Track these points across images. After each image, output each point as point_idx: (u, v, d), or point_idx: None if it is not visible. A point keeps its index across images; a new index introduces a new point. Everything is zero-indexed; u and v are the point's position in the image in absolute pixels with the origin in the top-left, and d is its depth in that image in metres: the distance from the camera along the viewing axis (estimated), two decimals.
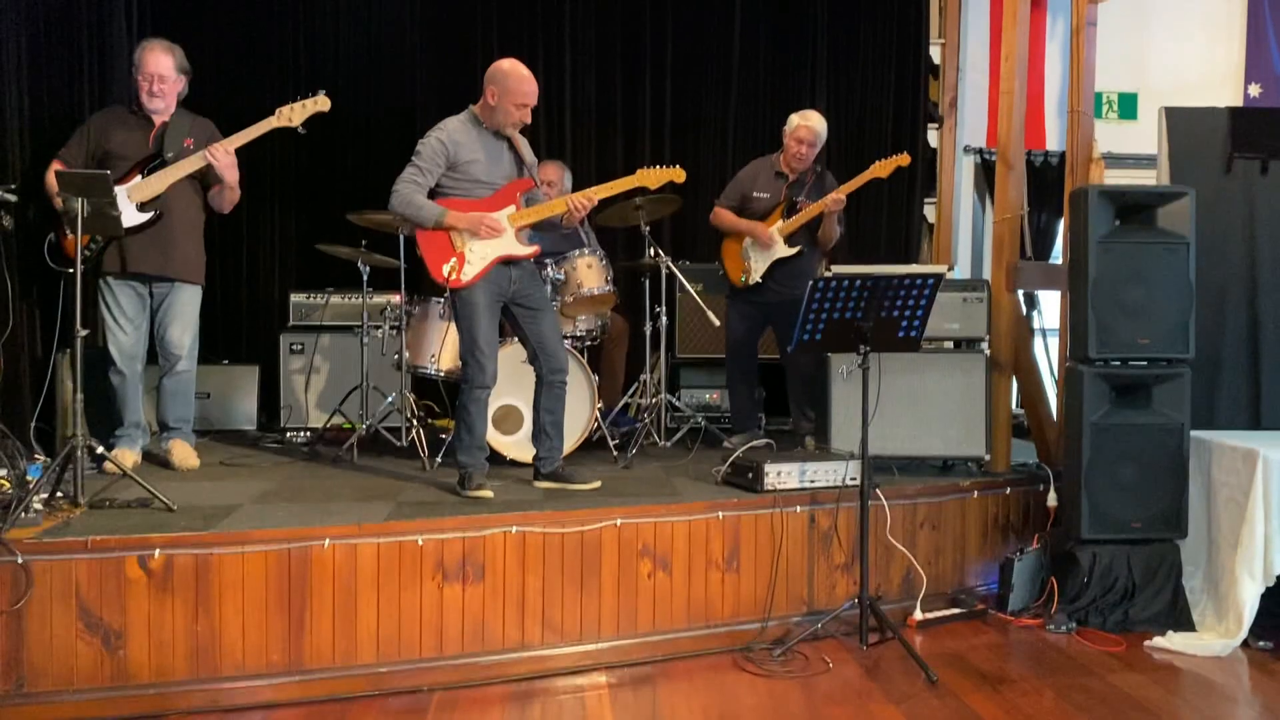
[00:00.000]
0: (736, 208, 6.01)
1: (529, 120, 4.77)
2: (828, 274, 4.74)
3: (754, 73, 7.70)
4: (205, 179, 5.14)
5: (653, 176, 4.90)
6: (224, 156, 5.00)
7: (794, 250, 5.81)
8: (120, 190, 4.86)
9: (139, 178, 4.96)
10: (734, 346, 6.12)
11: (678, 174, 4.97)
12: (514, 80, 4.68)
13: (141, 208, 4.94)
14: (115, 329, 5.09)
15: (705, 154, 7.62)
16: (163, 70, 5.06)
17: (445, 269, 4.59)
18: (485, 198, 4.71)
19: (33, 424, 5.16)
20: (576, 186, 6.43)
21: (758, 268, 5.86)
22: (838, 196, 5.66)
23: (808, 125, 5.84)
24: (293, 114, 5.03)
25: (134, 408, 5.18)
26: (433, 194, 4.68)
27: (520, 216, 4.74)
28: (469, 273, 4.62)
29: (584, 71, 7.52)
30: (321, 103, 5.07)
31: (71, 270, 4.37)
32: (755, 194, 5.98)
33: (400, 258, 5.86)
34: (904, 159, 5.71)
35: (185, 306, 5.20)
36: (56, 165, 4.96)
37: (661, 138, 7.61)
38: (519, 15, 7.38)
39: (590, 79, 7.53)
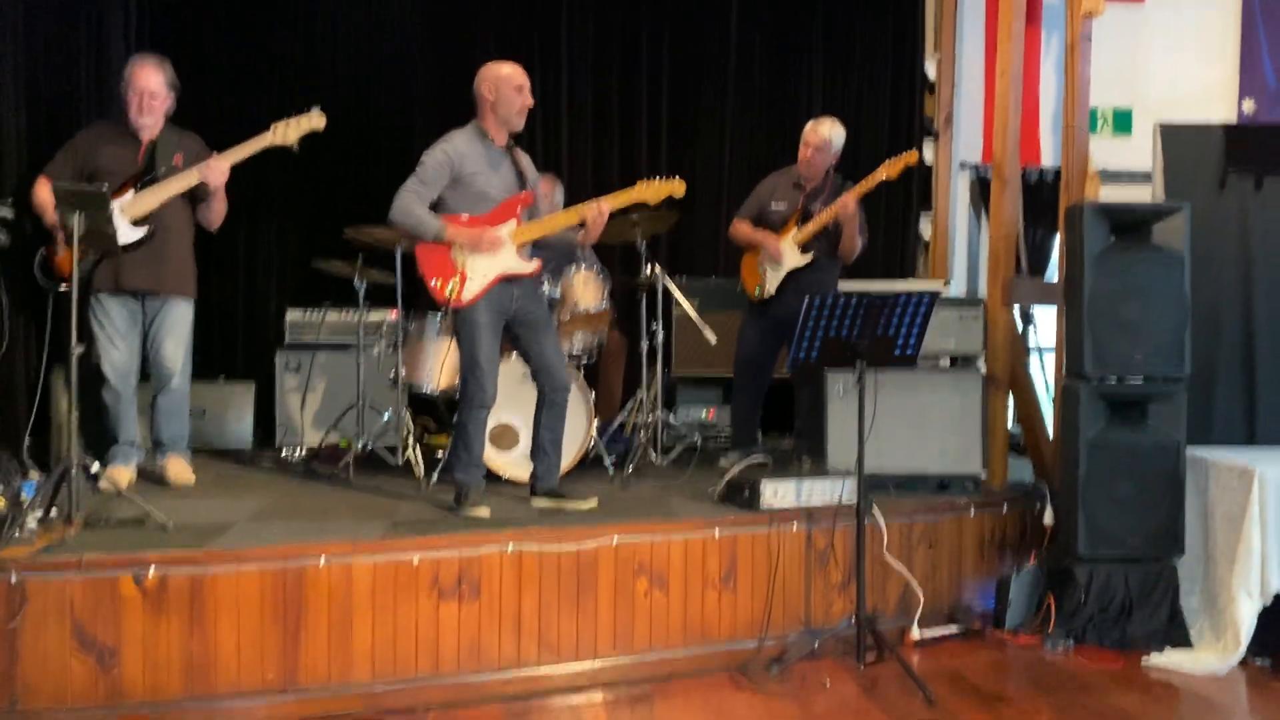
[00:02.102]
0: (754, 219, 6.01)
1: (531, 103, 4.76)
2: None
3: (750, 87, 7.73)
4: (195, 194, 5.14)
5: (652, 190, 4.85)
6: (220, 175, 4.99)
7: (808, 258, 5.78)
8: (114, 205, 4.86)
9: (131, 193, 4.95)
10: (744, 360, 6.08)
11: (678, 187, 4.89)
12: (502, 73, 4.69)
13: (135, 224, 4.94)
14: (108, 346, 5.08)
15: (701, 167, 7.65)
16: (153, 87, 5.07)
17: (447, 289, 4.58)
18: (486, 213, 4.69)
19: (26, 441, 5.15)
20: (572, 192, 6.46)
21: (773, 280, 5.85)
22: (845, 201, 5.62)
23: (816, 131, 5.82)
24: (287, 131, 5.01)
25: (128, 425, 5.17)
26: (434, 207, 4.66)
27: (522, 232, 4.72)
28: (470, 291, 4.61)
29: (580, 79, 7.55)
30: (316, 120, 5.05)
31: (62, 287, 4.36)
32: (773, 205, 5.96)
33: (397, 274, 5.85)
34: (912, 156, 5.68)
35: (178, 322, 5.20)
36: (43, 181, 4.96)
37: (658, 147, 7.64)
38: (516, 21, 7.42)
39: (587, 86, 7.57)
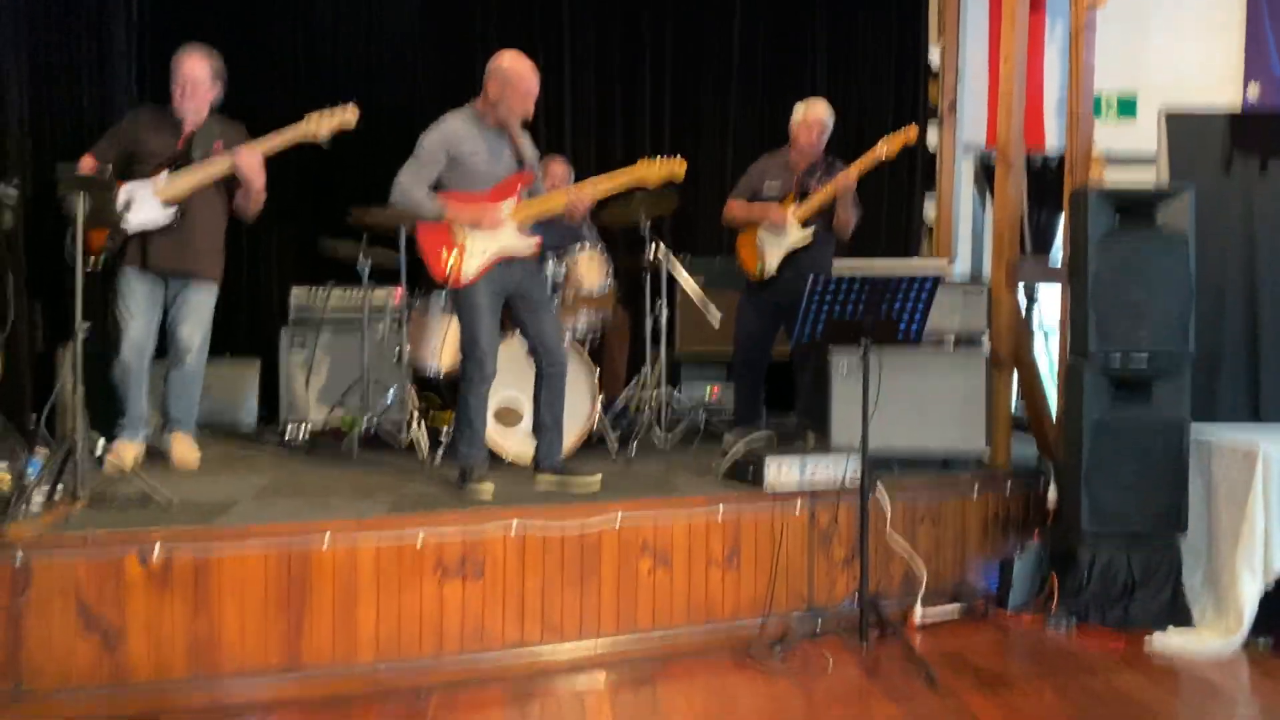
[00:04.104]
0: (748, 201, 6.01)
1: (530, 115, 4.76)
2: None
3: (753, 73, 7.72)
4: (230, 183, 5.17)
5: (653, 170, 4.86)
6: (250, 160, 5.02)
7: (808, 234, 5.79)
8: (147, 184, 4.94)
9: (166, 175, 4.99)
10: (744, 341, 6.09)
11: (678, 167, 4.89)
12: (515, 75, 4.68)
13: (167, 205, 4.97)
14: (126, 320, 5.10)
15: (705, 155, 7.62)
16: (197, 75, 5.12)
17: (445, 266, 4.58)
18: (485, 191, 4.69)
19: (38, 418, 5.14)
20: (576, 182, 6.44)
21: (773, 258, 5.85)
22: (848, 176, 5.65)
23: (814, 113, 5.86)
24: (320, 123, 5.05)
25: (137, 401, 5.18)
26: (433, 189, 4.67)
27: (520, 210, 4.72)
28: (469, 268, 4.61)
29: (583, 70, 7.52)
30: (350, 115, 5.09)
31: (90, 262, 4.39)
32: (766, 184, 5.97)
33: (401, 252, 5.82)
34: (911, 133, 5.70)
35: (200, 305, 5.24)
36: (88, 160, 5.00)
37: (661, 137, 7.61)
38: (518, 13, 7.38)
39: (589, 78, 7.54)
